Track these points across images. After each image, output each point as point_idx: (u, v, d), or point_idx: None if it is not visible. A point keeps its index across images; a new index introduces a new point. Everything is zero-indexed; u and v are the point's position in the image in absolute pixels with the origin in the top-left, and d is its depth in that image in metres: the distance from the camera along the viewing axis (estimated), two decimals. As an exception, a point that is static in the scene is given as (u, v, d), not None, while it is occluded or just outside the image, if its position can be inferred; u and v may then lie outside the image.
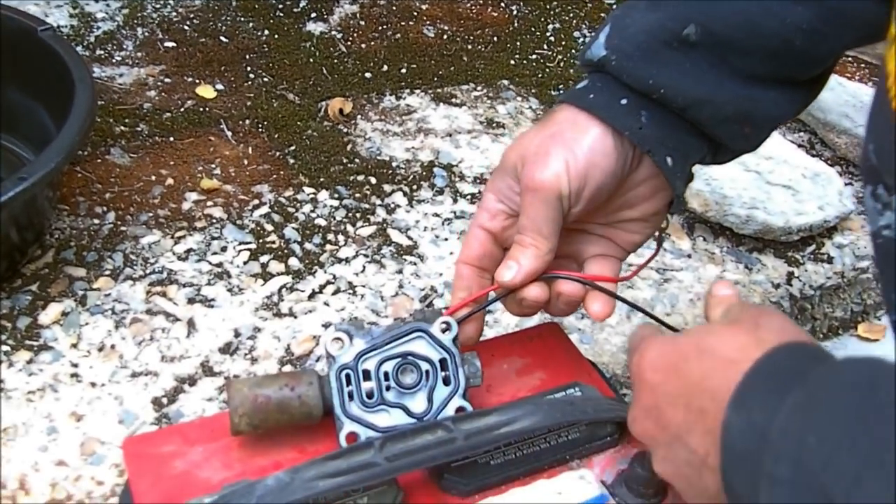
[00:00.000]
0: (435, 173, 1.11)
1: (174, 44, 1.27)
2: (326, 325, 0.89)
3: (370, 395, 0.57)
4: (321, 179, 1.07)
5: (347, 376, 0.57)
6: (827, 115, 1.23)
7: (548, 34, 1.42)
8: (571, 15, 1.47)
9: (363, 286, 0.94)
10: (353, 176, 1.08)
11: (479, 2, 1.47)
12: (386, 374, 0.58)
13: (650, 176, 0.59)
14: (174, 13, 1.33)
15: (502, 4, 1.47)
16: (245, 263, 0.95)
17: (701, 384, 0.44)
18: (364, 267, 0.97)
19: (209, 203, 1.02)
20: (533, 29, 1.42)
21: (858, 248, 1.08)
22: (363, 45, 1.33)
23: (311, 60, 1.28)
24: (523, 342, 0.69)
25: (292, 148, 1.11)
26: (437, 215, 1.05)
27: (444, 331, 0.59)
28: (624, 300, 0.61)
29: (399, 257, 0.98)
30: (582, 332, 0.91)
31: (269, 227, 1.00)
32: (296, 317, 0.90)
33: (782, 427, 0.37)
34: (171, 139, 1.10)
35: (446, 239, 1.01)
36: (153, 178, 1.04)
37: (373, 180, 1.08)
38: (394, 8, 1.42)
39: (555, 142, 0.57)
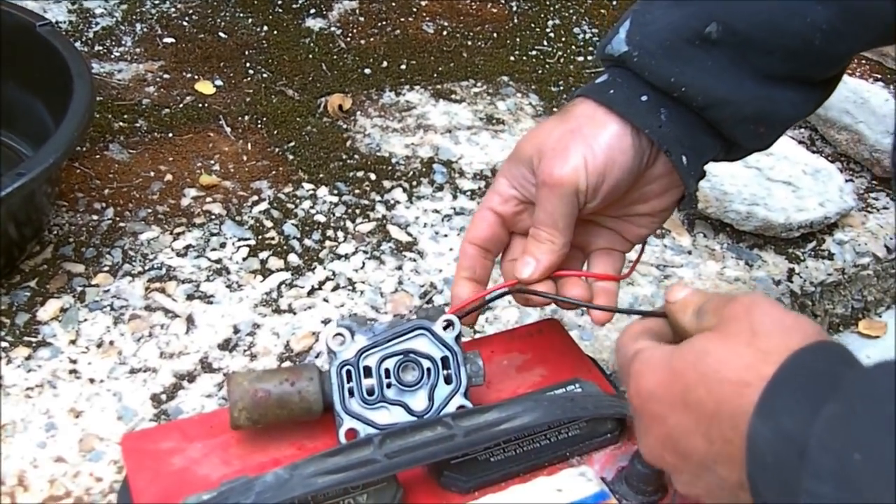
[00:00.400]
0: (434, 170, 1.10)
1: (173, 39, 1.26)
2: (326, 322, 0.89)
3: (371, 392, 0.57)
4: (320, 175, 1.07)
5: (348, 372, 0.57)
6: (828, 111, 1.23)
7: (547, 30, 1.41)
8: (571, 11, 1.47)
9: (363, 282, 0.94)
10: (353, 172, 1.08)
11: (479, -2, 1.47)
12: (387, 371, 0.58)
13: (664, 173, 0.60)
14: (173, 9, 1.33)
15: (502, 0, 1.47)
16: (244, 260, 0.95)
17: (717, 413, 0.42)
18: (363, 263, 0.96)
19: (208, 199, 1.01)
20: (533, 25, 1.42)
21: (859, 245, 1.08)
22: (362, 41, 1.32)
23: (311, 56, 1.27)
24: (523, 338, 0.69)
25: (291, 144, 1.11)
26: (436, 212, 1.04)
27: (446, 328, 0.59)
28: (622, 311, 0.61)
29: (399, 254, 0.98)
30: (582, 328, 0.91)
31: (269, 224, 0.99)
32: (295, 313, 0.89)
33: (820, 441, 0.36)
34: (170, 135, 1.10)
35: (446, 235, 1.01)
36: (152, 174, 1.04)
37: (372, 176, 1.08)
38: (393, 4, 1.42)
39: (573, 137, 0.57)
